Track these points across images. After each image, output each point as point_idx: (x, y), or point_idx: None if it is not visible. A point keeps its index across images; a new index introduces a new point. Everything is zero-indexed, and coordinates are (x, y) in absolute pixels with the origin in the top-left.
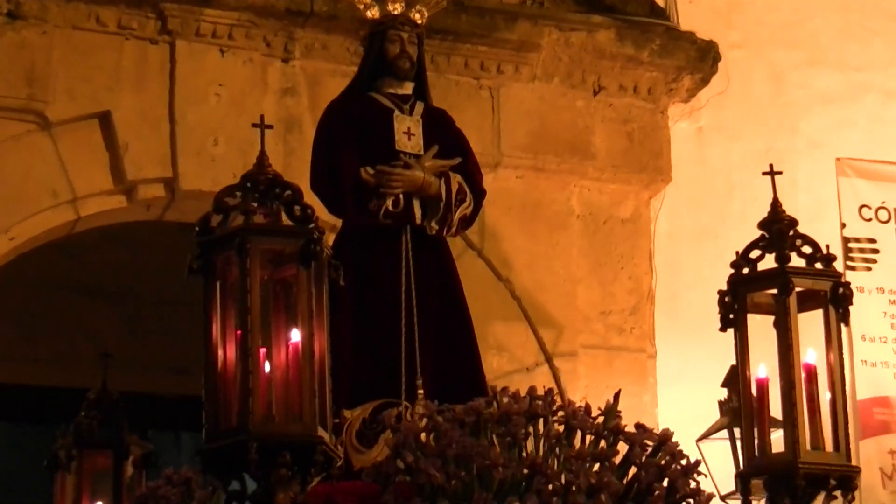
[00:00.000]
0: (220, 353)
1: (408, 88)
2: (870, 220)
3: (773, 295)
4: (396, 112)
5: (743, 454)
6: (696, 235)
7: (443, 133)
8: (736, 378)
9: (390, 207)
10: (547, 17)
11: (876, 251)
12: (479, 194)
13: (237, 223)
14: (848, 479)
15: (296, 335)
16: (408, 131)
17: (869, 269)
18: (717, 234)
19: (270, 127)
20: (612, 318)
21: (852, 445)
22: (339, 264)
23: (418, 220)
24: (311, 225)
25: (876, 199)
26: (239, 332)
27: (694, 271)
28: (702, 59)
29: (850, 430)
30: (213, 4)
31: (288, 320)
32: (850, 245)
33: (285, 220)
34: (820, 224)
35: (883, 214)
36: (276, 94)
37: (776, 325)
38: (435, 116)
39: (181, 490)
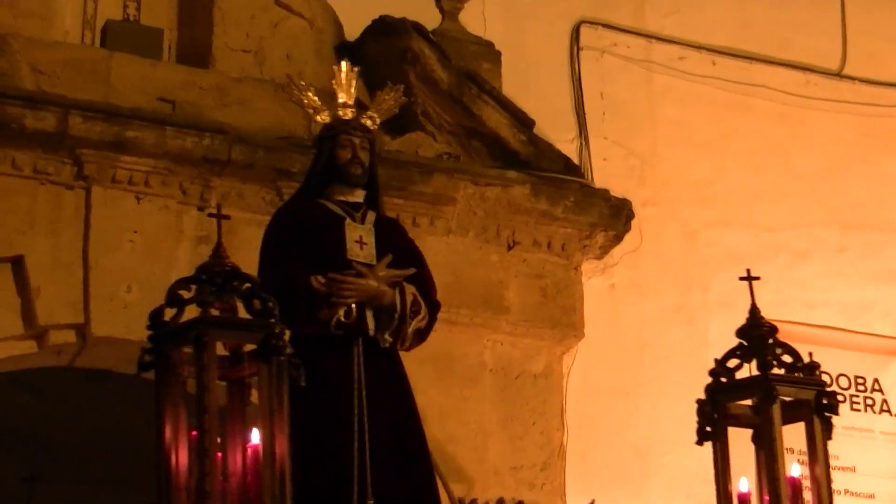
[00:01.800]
0: (174, 454)
1: (359, 196)
2: None
3: (750, 406)
4: (348, 220)
5: None
6: (609, 392)
7: (396, 242)
8: None
9: (342, 318)
10: (462, 171)
11: None
12: (434, 306)
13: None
14: None
15: (255, 436)
16: (360, 240)
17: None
18: (630, 390)
19: (227, 217)
20: (523, 472)
21: None
22: (299, 363)
23: (371, 332)
24: (273, 319)
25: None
26: (195, 432)
27: (606, 428)
28: (615, 216)
29: None
30: (130, 151)
31: (244, 421)
32: None
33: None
34: None
35: None
36: (192, 242)
37: (756, 436)
38: (387, 225)
39: None
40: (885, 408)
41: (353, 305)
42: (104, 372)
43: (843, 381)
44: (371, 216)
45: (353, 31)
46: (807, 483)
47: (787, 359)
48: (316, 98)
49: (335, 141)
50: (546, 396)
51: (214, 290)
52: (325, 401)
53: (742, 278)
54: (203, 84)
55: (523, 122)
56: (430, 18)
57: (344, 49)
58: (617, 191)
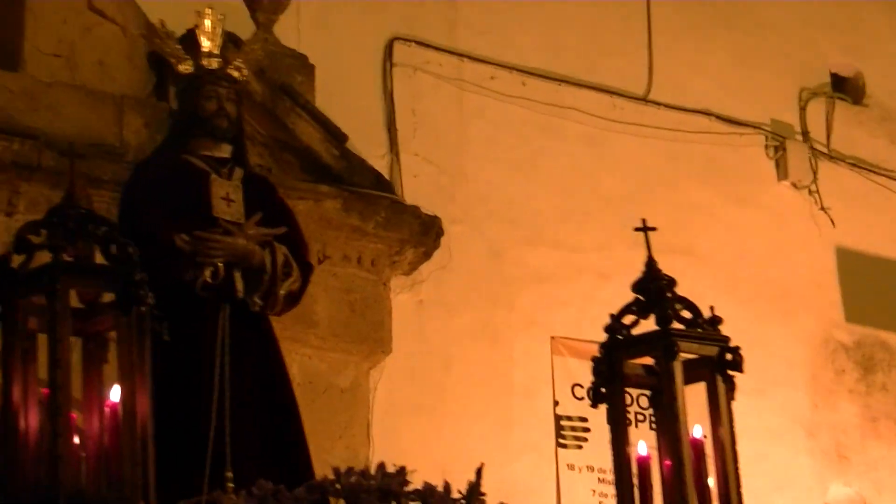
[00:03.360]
0: (22, 416)
1: (225, 151)
2: (582, 398)
3: (645, 366)
4: (214, 175)
5: None
6: (414, 408)
7: (265, 200)
8: None
9: (208, 279)
10: (274, 184)
11: (587, 429)
12: (307, 269)
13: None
14: None
15: (115, 394)
16: (227, 196)
17: (580, 447)
18: (435, 407)
19: (82, 156)
20: None
21: None
22: (162, 315)
23: (240, 294)
24: (133, 266)
25: (588, 379)
26: (46, 390)
27: (411, 443)
28: (425, 233)
29: None
30: None
31: (101, 379)
32: (563, 423)
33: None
34: (534, 401)
35: None
36: None
37: (654, 397)
38: (256, 182)
39: None
40: None
41: (221, 265)
42: None
43: (643, 401)
44: (238, 172)
45: None
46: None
47: (686, 314)
48: (179, 46)
49: (199, 92)
50: (352, 411)
51: (68, 234)
52: (187, 368)
53: (637, 229)
54: (13, 87)
55: (336, 137)
56: (245, 30)
57: (157, 57)
58: (427, 207)
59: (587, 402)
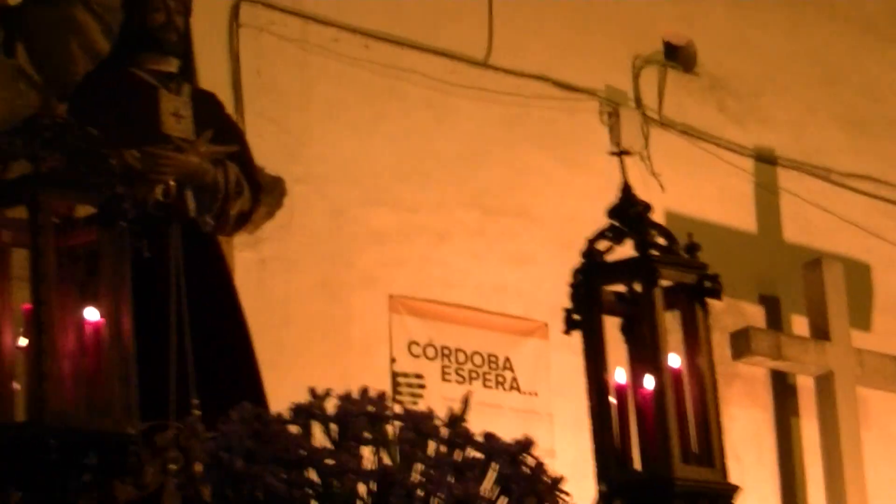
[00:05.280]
0: (1, 332)
1: (173, 65)
2: (418, 356)
3: (617, 293)
4: (163, 90)
5: (599, 472)
6: None
7: (215, 117)
8: None
9: (160, 197)
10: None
11: (422, 386)
12: (257, 188)
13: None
14: (726, 497)
15: (95, 312)
16: (176, 112)
17: (415, 403)
18: (274, 362)
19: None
20: None
21: None
22: (142, 231)
23: (192, 214)
24: (115, 179)
25: (424, 337)
26: (27, 306)
27: None
28: (268, 193)
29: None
30: None
31: (82, 295)
32: (399, 379)
33: None
34: (371, 357)
35: (430, 351)
36: None
37: (629, 326)
38: (204, 99)
39: None
40: (514, 385)
41: (172, 183)
42: None
43: (478, 359)
44: (187, 88)
45: None
46: None
47: (661, 241)
48: None
49: (147, 3)
50: None
51: (45, 144)
52: (141, 288)
53: (613, 153)
54: None
55: None
56: None
57: (4, 14)
58: (271, 168)
59: (423, 359)
